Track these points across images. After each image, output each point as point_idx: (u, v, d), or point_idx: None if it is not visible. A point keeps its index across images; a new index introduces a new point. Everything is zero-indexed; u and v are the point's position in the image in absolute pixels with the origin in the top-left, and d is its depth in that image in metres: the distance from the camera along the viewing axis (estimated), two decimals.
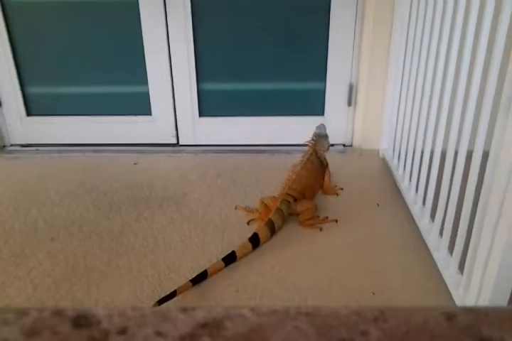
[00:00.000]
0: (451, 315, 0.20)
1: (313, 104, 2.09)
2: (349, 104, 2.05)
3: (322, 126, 1.72)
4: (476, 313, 0.20)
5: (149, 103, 2.09)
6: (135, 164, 1.97)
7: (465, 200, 1.10)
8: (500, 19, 0.95)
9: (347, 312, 0.20)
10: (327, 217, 1.50)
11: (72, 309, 0.19)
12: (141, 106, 2.10)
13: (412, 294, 1.18)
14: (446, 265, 1.21)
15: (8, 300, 1.16)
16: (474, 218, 1.04)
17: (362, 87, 2.00)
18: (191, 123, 2.12)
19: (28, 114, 2.14)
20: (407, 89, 1.62)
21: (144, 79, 2.04)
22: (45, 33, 2.01)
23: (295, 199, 1.48)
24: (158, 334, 0.18)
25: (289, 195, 1.48)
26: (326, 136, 1.70)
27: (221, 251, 1.32)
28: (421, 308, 0.20)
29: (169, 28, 1.95)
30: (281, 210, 1.43)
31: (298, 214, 1.48)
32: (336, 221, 1.48)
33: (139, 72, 2.03)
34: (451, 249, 1.19)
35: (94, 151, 2.11)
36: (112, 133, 2.15)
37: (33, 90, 2.11)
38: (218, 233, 1.44)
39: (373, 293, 1.17)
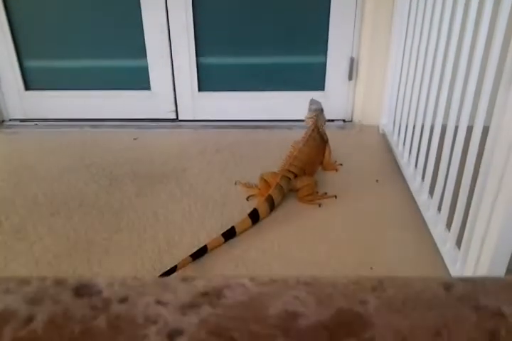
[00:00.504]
0: (449, 284, 0.20)
1: (313, 79, 2.06)
2: (350, 78, 2.03)
3: (317, 101, 1.71)
4: (473, 283, 0.20)
5: (148, 77, 2.07)
6: (135, 139, 1.97)
7: (464, 176, 1.10)
8: None
9: (346, 281, 0.20)
10: (326, 193, 1.51)
11: (74, 278, 0.19)
12: (140, 80, 2.08)
13: (409, 270, 1.19)
14: (444, 240, 1.22)
15: (10, 274, 1.18)
16: (473, 194, 1.04)
17: (363, 61, 1.97)
18: (191, 98, 2.10)
19: (27, 88, 2.12)
20: (409, 64, 1.60)
21: (142, 53, 2.01)
22: (42, 6, 1.97)
23: (295, 176, 1.48)
24: (159, 302, 0.19)
25: (289, 171, 1.48)
26: (322, 111, 1.69)
27: (221, 227, 1.33)
28: (419, 278, 0.20)
29: (168, 1, 1.91)
30: (281, 186, 1.44)
31: (297, 190, 1.48)
32: (335, 197, 1.49)
33: (137, 46, 2.00)
34: (449, 224, 1.20)
35: (94, 126, 2.10)
36: (111, 108, 2.14)
37: (31, 64, 2.08)
38: (218, 208, 1.45)
39: (371, 268, 1.19)
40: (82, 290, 0.19)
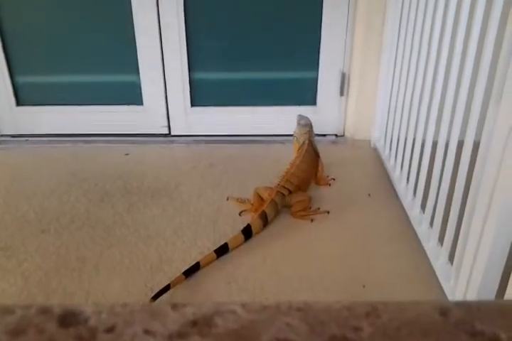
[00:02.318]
0: (444, 309, 0.19)
1: (305, 94, 2.08)
2: (341, 93, 2.04)
3: (305, 116, 1.73)
4: (468, 308, 0.20)
5: (140, 92, 2.07)
6: (127, 154, 1.96)
7: (455, 191, 1.10)
8: (491, 13, 0.94)
9: (339, 307, 0.19)
10: (319, 208, 1.50)
11: (60, 306, 0.19)
12: (132, 95, 2.08)
13: (402, 285, 1.19)
14: (436, 255, 1.22)
15: None
16: (464, 209, 1.04)
17: (354, 76, 1.99)
18: (183, 113, 2.10)
19: (18, 103, 2.11)
20: (400, 79, 1.62)
21: (135, 68, 2.02)
22: (34, 22, 1.98)
23: (290, 192, 1.48)
24: (147, 332, 0.18)
25: (284, 187, 1.48)
26: (312, 125, 1.71)
27: (213, 243, 1.32)
28: (413, 303, 0.20)
29: (160, 16, 1.92)
30: (276, 202, 1.43)
31: (291, 206, 1.48)
32: (328, 212, 1.49)
33: (129, 61, 2.01)
34: (441, 239, 1.20)
35: (85, 142, 2.09)
36: (103, 123, 2.13)
37: (22, 80, 2.08)
38: (210, 224, 1.44)
39: (364, 286, 1.18)
40: (68, 318, 0.18)
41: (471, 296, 0.99)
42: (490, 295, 0.97)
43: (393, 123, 1.70)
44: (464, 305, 0.20)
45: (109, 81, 2.10)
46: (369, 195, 1.61)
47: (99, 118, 2.13)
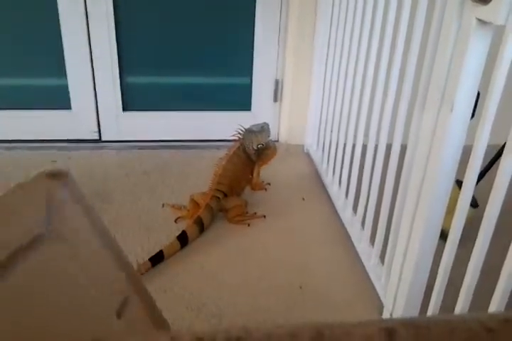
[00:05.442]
0: (391, 331, 0.19)
1: (240, 99, 2.08)
2: (275, 99, 2.07)
3: (260, 124, 1.65)
4: (416, 328, 0.20)
5: (68, 96, 1.98)
6: (53, 162, 1.86)
7: (385, 193, 1.15)
8: (415, 24, 0.99)
9: (281, 333, 0.19)
10: (255, 213, 1.51)
11: None
12: (59, 99, 1.99)
13: (337, 286, 1.22)
14: (369, 256, 1.26)
15: None
16: (394, 209, 1.09)
17: (287, 82, 2.02)
18: (114, 117, 2.04)
19: None
20: (330, 86, 1.67)
21: (62, 71, 1.93)
22: None
23: (225, 195, 1.47)
24: None
25: (218, 190, 1.47)
26: (256, 133, 1.64)
27: (147, 252, 1.29)
28: (360, 324, 0.20)
29: (89, 17, 1.85)
30: (211, 207, 1.42)
31: (227, 211, 1.47)
32: (264, 216, 1.50)
33: (56, 64, 1.91)
34: (372, 240, 1.24)
35: (8, 148, 1.97)
36: (28, 129, 2.02)
37: None
38: (144, 232, 1.40)
39: (301, 287, 1.20)
40: None
41: (402, 293, 1.03)
42: (420, 291, 1.01)
43: (325, 129, 1.74)
44: (411, 325, 0.20)
45: (34, 84, 1.99)
46: (303, 198, 1.64)
47: (24, 123, 2.01)
